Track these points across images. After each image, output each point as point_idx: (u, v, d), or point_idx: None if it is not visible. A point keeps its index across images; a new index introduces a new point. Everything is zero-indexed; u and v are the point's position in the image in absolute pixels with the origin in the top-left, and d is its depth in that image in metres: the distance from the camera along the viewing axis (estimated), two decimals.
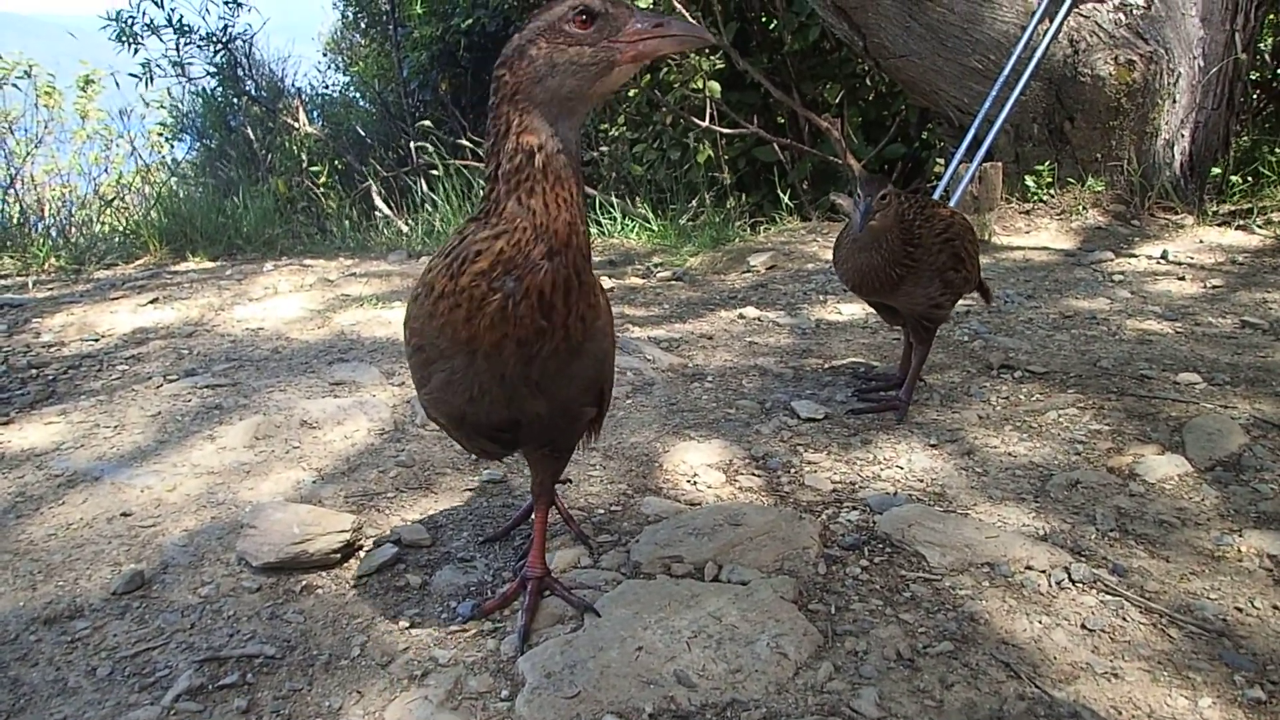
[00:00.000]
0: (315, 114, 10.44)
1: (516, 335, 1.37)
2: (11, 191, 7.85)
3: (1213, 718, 1.45)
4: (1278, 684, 1.53)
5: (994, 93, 4.98)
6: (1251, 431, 2.43)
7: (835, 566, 1.87)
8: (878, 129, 7.40)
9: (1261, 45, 7.08)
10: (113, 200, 7.46)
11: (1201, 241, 4.69)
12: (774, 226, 5.83)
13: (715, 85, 6.79)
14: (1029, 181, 5.27)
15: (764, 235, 5.56)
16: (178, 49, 8.97)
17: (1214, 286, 3.96)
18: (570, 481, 2.25)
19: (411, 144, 8.09)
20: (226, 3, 9.03)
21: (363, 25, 11.47)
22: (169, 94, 10.20)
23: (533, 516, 1.84)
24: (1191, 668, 1.57)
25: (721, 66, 6.84)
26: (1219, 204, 5.29)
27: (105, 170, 10.17)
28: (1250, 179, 5.44)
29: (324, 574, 1.88)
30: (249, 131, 9.05)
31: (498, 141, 1.35)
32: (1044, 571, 1.84)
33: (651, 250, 5.49)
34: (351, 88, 12.08)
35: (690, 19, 6.72)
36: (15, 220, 6.45)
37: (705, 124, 6.83)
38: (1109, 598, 1.76)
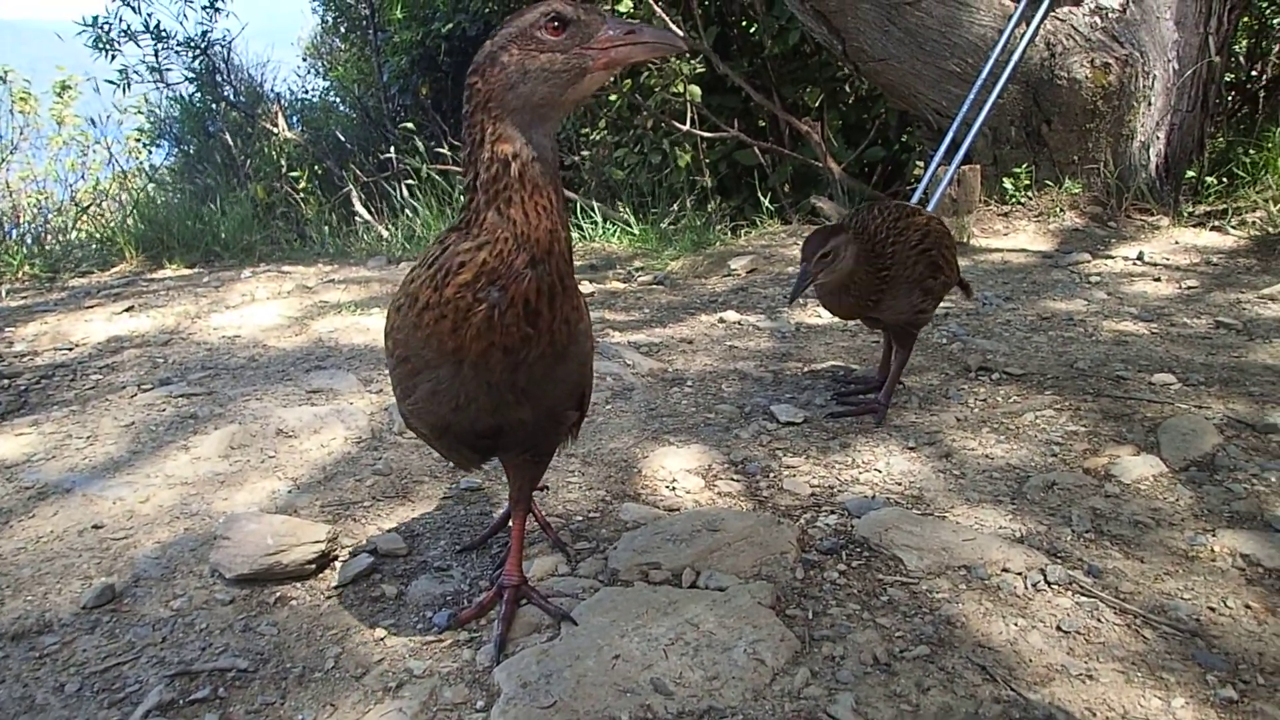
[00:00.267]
0: (295, 119, 10.39)
1: (503, 344, 1.37)
2: None
3: (1185, 718, 1.46)
4: (1249, 683, 1.54)
5: (972, 96, 5.01)
6: (1225, 431, 2.45)
7: (813, 571, 1.87)
8: (858, 132, 7.43)
9: (1236, 47, 7.17)
10: (89, 207, 7.39)
11: (1177, 242, 4.73)
12: (755, 230, 5.85)
13: (696, 89, 6.81)
14: (1007, 184, 5.31)
15: (745, 239, 5.58)
16: (155, 55, 8.90)
17: (1189, 287, 3.99)
18: (548, 488, 2.25)
19: (392, 149, 8.06)
20: (204, 8, 8.96)
21: (342, 30, 11.42)
22: (145, 100, 10.12)
23: (510, 524, 1.83)
24: (1165, 668, 1.58)
25: (702, 70, 6.86)
26: (1194, 204, 5.33)
27: (82, 177, 10.09)
28: (1225, 180, 5.50)
29: (298, 585, 1.86)
30: (227, 137, 8.99)
31: (474, 150, 1.34)
32: (1020, 574, 1.84)
33: (633, 254, 5.49)
34: (331, 92, 12.03)
35: (671, 24, 6.73)
36: None
37: (686, 128, 6.84)
38: (1084, 599, 1.77)
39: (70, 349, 3.49)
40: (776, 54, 7.20)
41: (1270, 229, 4.76)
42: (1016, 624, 1.69)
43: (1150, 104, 5.18)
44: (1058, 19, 5.14)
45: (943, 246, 2.60)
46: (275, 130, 8.90)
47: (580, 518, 2.14)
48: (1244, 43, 7.42)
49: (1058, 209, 5.16)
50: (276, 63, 11.08)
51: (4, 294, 4.44)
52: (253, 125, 9.18)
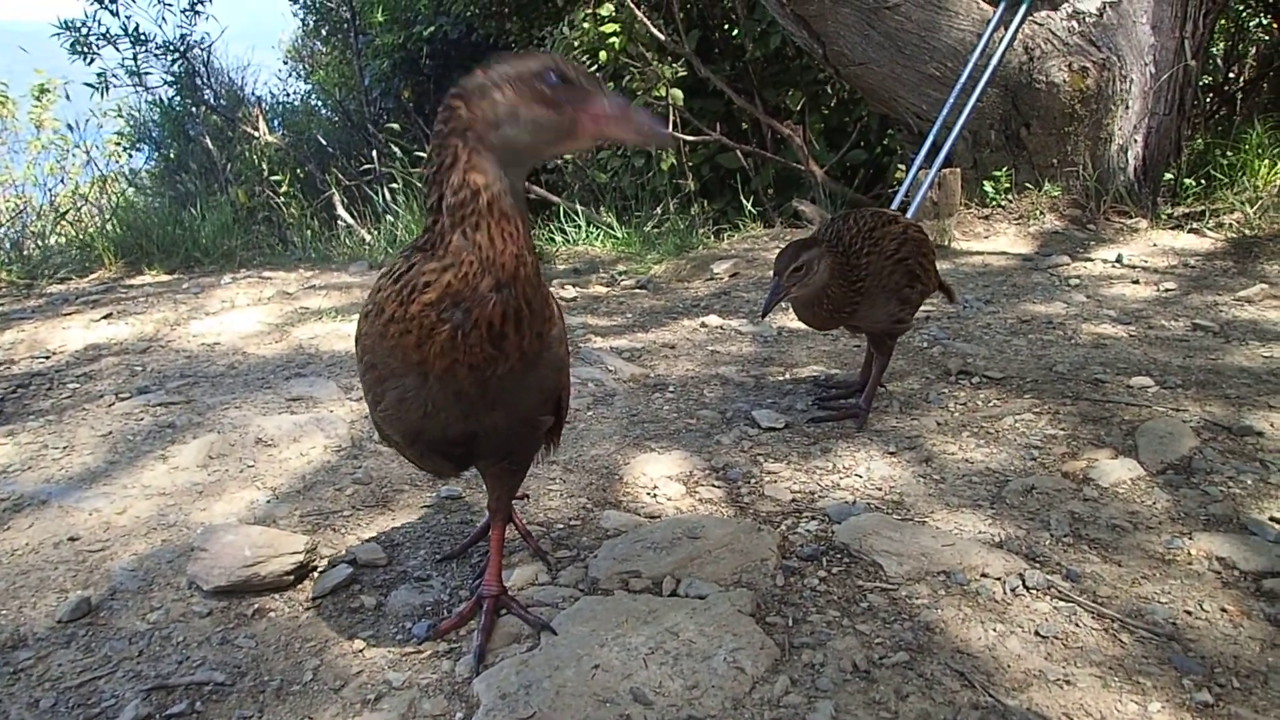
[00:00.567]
0: (276, 122, 10.34)
1: (468, 361, 1.37)
2: None
3: None
4: (1225, 686, 1.55)
5: (951, 99, 5.04)
6: (1202, 434, 2.47)
7: (793, 578, 1.87)
8: (840, 135, 7.47)
9: (1214, 50, 7.25)
10: (67, 212, 7.32)
11: (1155, 245, 4.77)
12: (737, 233, 5.86)
13: (678, 93, 6.82)
14: (987, 187, 5.34)
15: (727, 242, 5.59)
16: (134, 58, 8.83)
17: (1166, 290, 4.03)
18: (528, 497, 2.24)
19: (374, 152, 8.04)
20: (184, 11, 8.90)
21: (324, 33, 11.37)
22: (121, 106, 10.04)
23: (490, 534, 1.83)
24: (1142, 672, 1.59)
25: (684, 74, 6.87)
26: (1173, 206, 5.39)
27: (61, 181, 9.99)
28: (1203, 181, 5.55)
29: (277, 596, 1.85)
30: (208, 141, 8.94)
31: (441, 172, 1.33)
32: (999, 579, 1.85)
33: (616, 258, 5.50)
34: (313, 96, 11.97)
35: (653, 28, 6.74)
36: None
37: (669, 131, 6.84)
38: (1062, 604, 1.78)
39: (47, 357, 3.46)
40: (758, 57, 7.22)
41: (1246, 231, 4.82)
42: (995, 629, 1.70)
43: (1128, 107, 5.23)
44: (1035, 23, 5.18)
45: (920, 255, 2.60)
46: (256, 134, 8.85)
47: (561, 525, 2.13)
48: (1221, 45, 7.51)
49: (1037, 212, 5.20)
50: (257, 66, 11.07)
51: None
52: (233, 129, 9.13)
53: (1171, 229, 5.02)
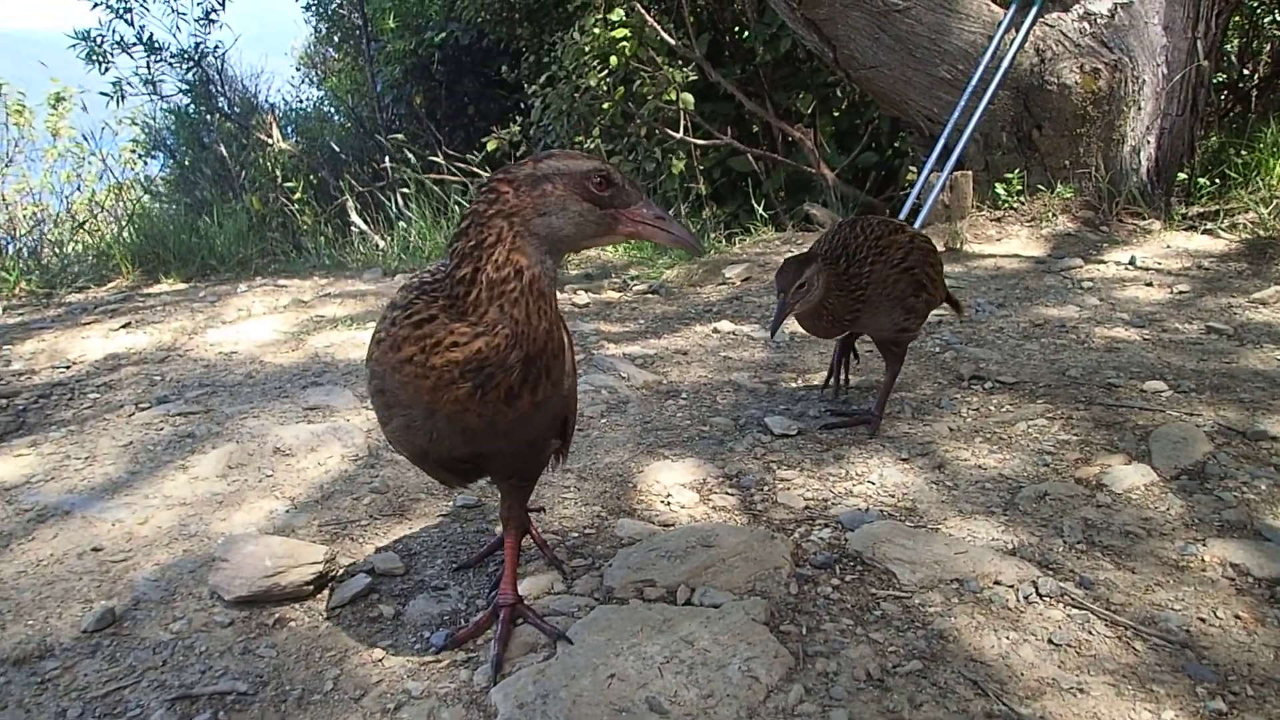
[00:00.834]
0: (289, 129, 10.40)
1: (478, 412, 1.46)
2: None
3: None
4: (1239, 695, 1.56)
5: (963, 102, 5.04)
6: (1215, 439, 2.47)
7: (807, 586, 1.89)
8: (851, 138, 7.47)
9: (1228, 47, 7.21)
10: (85, 222, 7.40)
11: (1168, 246, 4.76)
12: (749, 237, 5.87)
13: (689, 97, 6.84)
14: (999, 189, 5.33)
15: (739, 246, 5.60)
16: (149, 67, 8.91)
17: (1180, 292, 4.02)
18: (544, 510, 2.26)
19: (386, 158, 8.08)
20: (198, 20, 8.98)
21: (336, 39, 11.44)
22: (135, 115, 10.12)
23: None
24: (1155, 680, 1.59)
25: (695, 79, 6.88)
26: (1187, 206, 5.37)
27: (78, 188, 10.09)
28: (1218, 180, 5.53)
29: (297, 606, 1.88)
30: (222, 148, 9.01)
31: (482, 248, 1.40)
32: (1012, 586, 1.86)
33: (628, 263, 5.51)
34: (325, 102, 12.04)
35: (664, 32, 6.75)
36: None
37: (679, 135, 6.87)
38: (1075, 611, 1.78)
39: (68, 367, 3.51)
40: (769, 61, 7.24)
41: (1261, 232, 4.79)
42: (1008, 637, 1.71)
43: (1140, 108, 5.21)
44: (1047, 25, 5.17)
45: (926, 264, 2.60)
46: (270, 141, 8.91)
47: (576, 534, 2.15)
48: (1236, 42, 7.47)
49: (1050, 214, 5.19)
50: (271, 73, 11.13)
51: (1, 311, 4.45)
52: (247, 136, 9.19)
53: (1185, 230, 5.00)
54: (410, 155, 7.71)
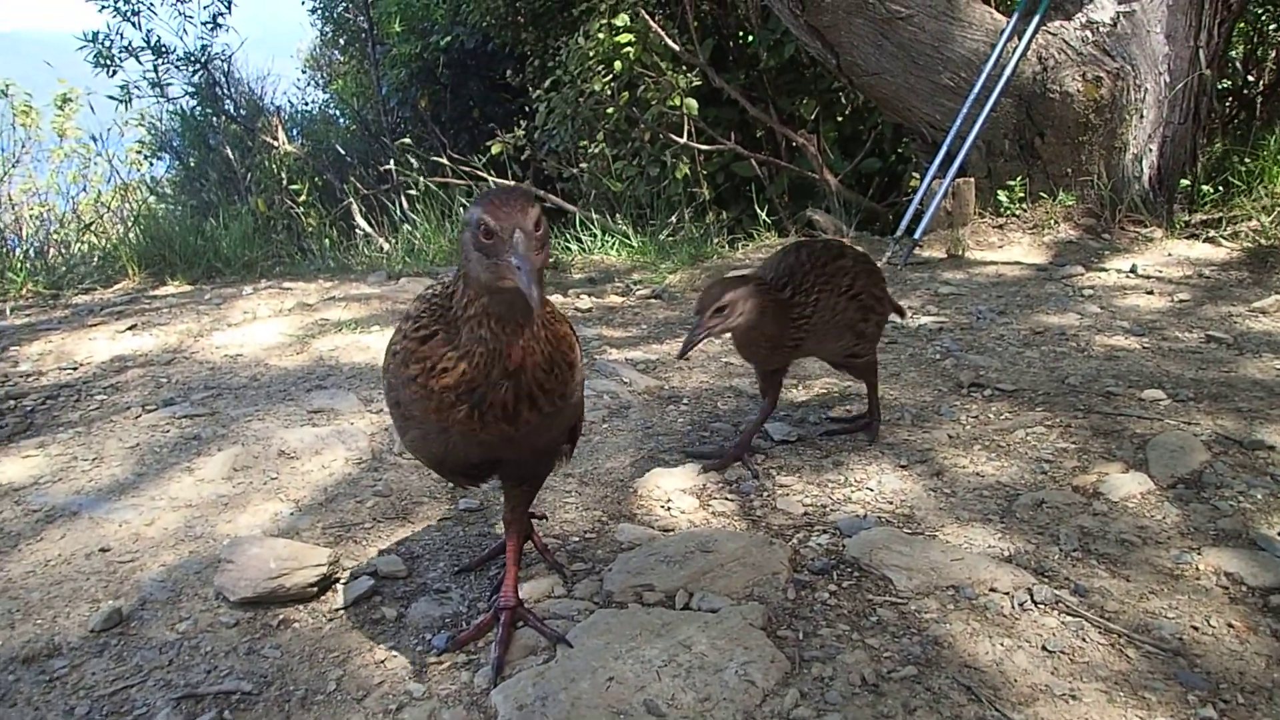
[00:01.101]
0: (295, 132, 10.45)
1: (486, 429, 1.51)
2: None
3: None
4: (1229, 703, 1.57)
5: (965, 109, 5.06)
6: (1213, 448, 2.49)
7: (804, 592, 1.91)
8: (854, 144, 7.50)
9: (1233, 53, 7.22)
10: (91, 224, 7.45)
11: (1170, 254, 4.78)
12: (751, 242, 5.89)
13: (692, 102, 6.87)
14: (1001, 196, 5.36)
15: (742, 251, 5.62)
16: (155, 70, 8.97)
17: (1181, 300, 4.04)
18: (546, 518, 2.27)
19: (391, 161, 8.12)
20: (204, 23, 9.04)
21: (341, 42, 11.50)
22: (145, 113, 10.17)
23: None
24: (1147, 687, 1.61)
25: (698, 84, 6.91)
26: (1190, 213, 5.38)
27: (84, 189, 10.15)
28: (1221, 188, 5.54)
29: (301, 608, 1.90)
30: (228, 150, 9.06)
31: (460, 274, 1.48)
32: (1007, 593, 1.88)
33: (631, 267, 5.54)
34: (331, 105, 12.10)
35: (667, 37, 6.78)
36: None
37: (683, 140, 6.90)
38: (1070, 618, 1.80)
39: (74, 369, 3.54)
40: (772, 66, 7.26)
41: (1263, 240, 4.81)
42: (1003, 644, 1.73)
43: (1142, 116, 5.23)
44: (1049, 33, 5.19)
45: (871, 287, 2.54)
46: (275, 143, 8.96)
47: (577, 538, 2.18)
48: (1240, 49, 7.48)
49: (1052, 221, 5.21)
50: (276, 75, 11.17)
51: (8, 312, 4.49)
52: (253, 138, 9.24)
53: (1187, 238, 5.02)
54: (413, 159, 7.75)
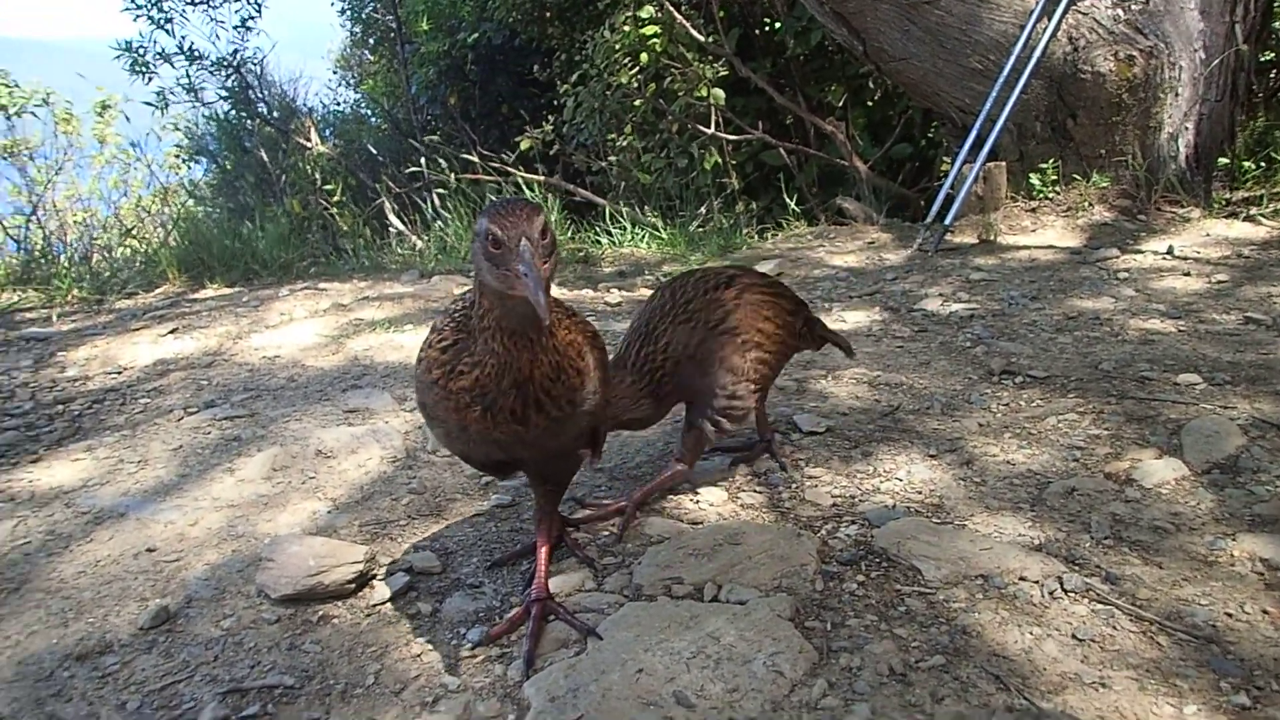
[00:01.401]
0: (327, 132, 10.59)
1: (499, 429, 1.61)
2: (34, 219, 8.03)
3: None
4: (1263, 689, 1.57)
5: (995, 92, 5.00)
6: (1250, 432, 2.46)
7: (832, 582, 1.92)
8: (883, 129, 7.44)
9: (1276, 24, 7.04)
10: (133, 229, 7.62)
11: (1208, 235, 4.69)
12: (781, 232, 5.88)
13: (719, 92, 6.86)
14: (1034, 179, 5.29)
15: (771, 242, 5.61)
16: (189, 75, 9.13)
17: (1219, 282, 3.97)
18: (578, 527, 2.28)
19: (422, 160, 8.20)
20: (235, 27, 9.18)
21: (371, 42, 11.61)
22: (181, 118, 10.36)
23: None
24: (1179, 675, 1.61)
25: (725, 74, 6.89)
26: (1230, 191, 5.27)
27: (124, 194, 10.38)
28: (1263, 164, 5.42)
29: (339, 604, 1.96)
30: (262, 153, 9.20)
31: (474, 285, 1.56)
32: (1037, 582, 1.88)
33: (661, 259, 5.56)
34: (362, 104, 12.23)
35: (692, 29, 6.76)
36: (40, 249, 6.61)
37: (711, 131, 6.89)
38: (1100, 606, 1.80)
39: (119, 373, 3.64)
40: (799, 54, 7.22)
41: None
42: (1032, 633, 1.73)
43: (1177, 95, 5.13)
44: (1080, 13, 5.11)
45: (758, 322, 2.25)
46: (309, 144, 9.08)
47: (607, 533, 2.21)
48: None
49: (1086, 203, 5.14)
50: (308, 77, 11.30)
51: (55, 318, 4.61)
52: (286, 140, 9.38)
53: (1226, 218, 4.92)
54: (441, 160, 7.82)
